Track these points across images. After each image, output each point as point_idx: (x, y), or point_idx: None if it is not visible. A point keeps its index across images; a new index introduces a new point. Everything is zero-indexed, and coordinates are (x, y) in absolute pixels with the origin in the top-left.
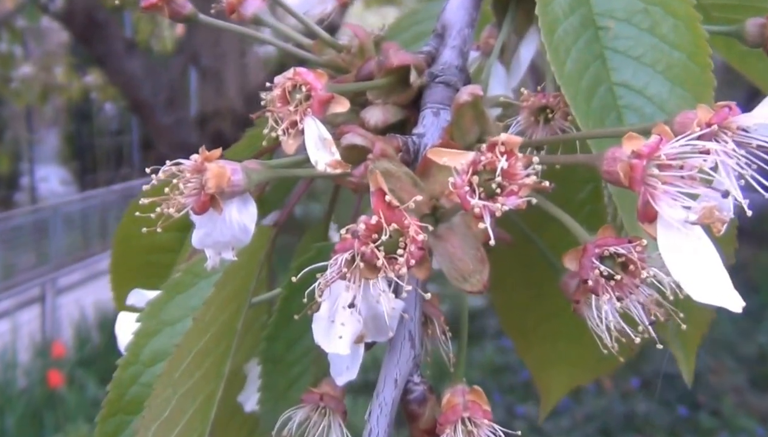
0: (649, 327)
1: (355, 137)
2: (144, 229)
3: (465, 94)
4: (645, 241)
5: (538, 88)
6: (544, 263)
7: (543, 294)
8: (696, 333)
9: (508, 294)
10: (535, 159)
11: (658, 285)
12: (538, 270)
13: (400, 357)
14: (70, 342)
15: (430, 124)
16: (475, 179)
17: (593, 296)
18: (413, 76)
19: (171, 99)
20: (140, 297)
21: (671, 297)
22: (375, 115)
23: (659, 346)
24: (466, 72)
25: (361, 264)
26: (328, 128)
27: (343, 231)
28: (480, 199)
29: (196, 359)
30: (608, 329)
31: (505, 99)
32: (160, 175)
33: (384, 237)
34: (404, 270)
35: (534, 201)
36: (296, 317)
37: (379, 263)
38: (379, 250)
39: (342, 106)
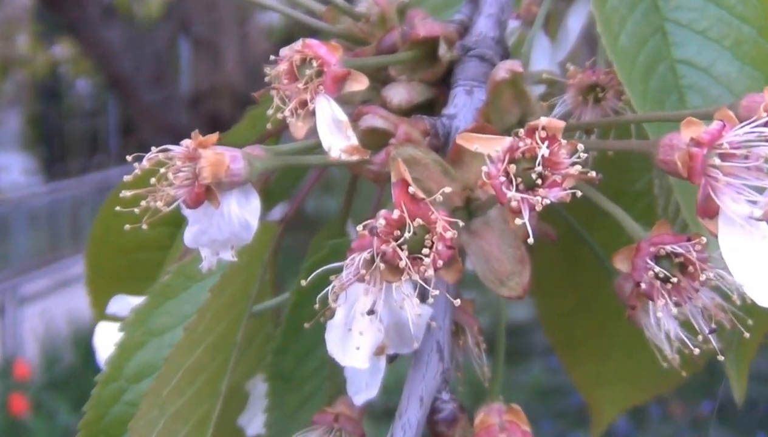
0: (710, 337)
1: (375, 119)
2: (127, 226)
3: (502, 70)
4: (705, 239)
5: (587, 63)
6: (595, 263)
7: (593, 299)
8: (751, 344)
9: (552, 299)
10: (581, 146)
11: (723, 287)
12: (587, 272)
13: (427, 371)
14: (35, 361)
15: (463, 104)
16: (512, 168)
17: (649, 301)
18: (443, 49)
19: (157, 74)
20: (123, 303)
21: (738, 302)
22: (398, 93)
23: (720, 357)
24: (503, 44)
25: (382, 266)
26: (344, 109)
27: (360, 227)
28: (518, 190)
29: (188, 375)
30: (668, 338)
31: (549, 75)
32: (145, 163)
33: (407, 235)
34: (431, 272)
35: (579, 193)
36: (307, 326)
37: (402, 264)
38: (401, 249)
39: (360, 84)
